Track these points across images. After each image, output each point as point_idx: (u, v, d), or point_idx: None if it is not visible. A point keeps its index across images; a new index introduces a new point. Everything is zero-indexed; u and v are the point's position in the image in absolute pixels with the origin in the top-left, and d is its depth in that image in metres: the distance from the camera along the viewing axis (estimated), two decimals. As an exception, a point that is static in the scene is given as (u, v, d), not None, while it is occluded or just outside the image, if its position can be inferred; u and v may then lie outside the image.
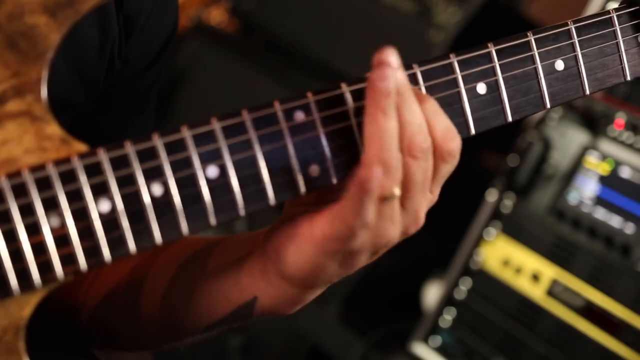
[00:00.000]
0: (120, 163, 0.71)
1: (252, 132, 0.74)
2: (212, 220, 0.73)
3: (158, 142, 0.72)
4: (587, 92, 0.87)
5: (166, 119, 2.59)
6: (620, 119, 1.75)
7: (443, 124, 0.77)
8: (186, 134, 0.73)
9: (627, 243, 1.69)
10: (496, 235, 1.88)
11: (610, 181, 1.75)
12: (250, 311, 0.84)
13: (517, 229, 1.86)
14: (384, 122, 0.73)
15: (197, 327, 0.89)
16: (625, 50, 0.89)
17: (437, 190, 0.80)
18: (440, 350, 1.90)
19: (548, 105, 0.85)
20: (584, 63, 0.86)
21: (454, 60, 0.80)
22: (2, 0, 0.72)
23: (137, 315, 0.94)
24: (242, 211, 0.74)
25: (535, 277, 1.80)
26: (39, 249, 0.69)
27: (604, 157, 1.76)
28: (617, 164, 1.74)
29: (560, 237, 1.79)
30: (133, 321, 0.94)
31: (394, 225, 0.76)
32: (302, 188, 0.76)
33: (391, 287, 2.20)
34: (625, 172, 1.73)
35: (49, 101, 0.73)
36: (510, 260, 1.84)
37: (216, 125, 0.73)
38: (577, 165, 1.80)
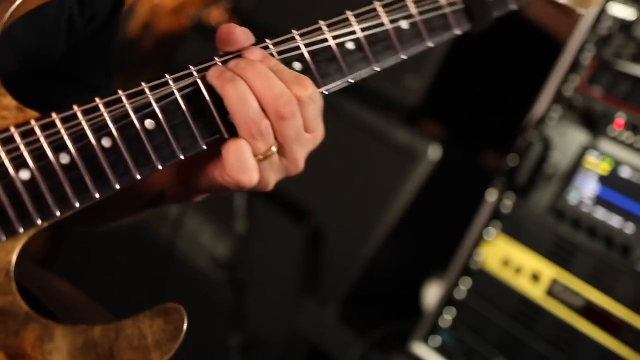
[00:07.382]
0: (70, 119, 0.84)
1: (173, 84, 0.89)
2: (158, 164, 0.88)
3: (99, 101, 0.86)
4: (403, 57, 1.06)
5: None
6: (620, 119, 1.75)
7: (289, 75, 0.90)
8: (121, 93, 0.87)
9: (627, 243, 1.69)
10: (496, 235, 1.88)
11: (610, 181, 1.75)
12: (162, 200, 1.04)
13: (517, 229, 1.86)
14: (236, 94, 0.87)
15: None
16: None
17: (318, 128, 0.93)
18: (440, 350, 1.91)
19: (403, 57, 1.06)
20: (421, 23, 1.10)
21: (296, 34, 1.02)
22: None
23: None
24: (180, 154, 0.89)
25: (535, 277, 1.80)
26: (17, 200, 0.82)
27: (604, 157, 1.77)
28: (617, 164, 1.74)
29: (560, 237, 1.79)
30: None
31: (275, 173, 0.92)
32: (226, 134, 0.90)
33: (391, 287, 2.20)
34: (625, 172, 1.73)
35: (14, 69, 0.90)
36: (510, 260, 1.84)
37: (144, 85, 0.88)
38: (577, 165, 1.80)
